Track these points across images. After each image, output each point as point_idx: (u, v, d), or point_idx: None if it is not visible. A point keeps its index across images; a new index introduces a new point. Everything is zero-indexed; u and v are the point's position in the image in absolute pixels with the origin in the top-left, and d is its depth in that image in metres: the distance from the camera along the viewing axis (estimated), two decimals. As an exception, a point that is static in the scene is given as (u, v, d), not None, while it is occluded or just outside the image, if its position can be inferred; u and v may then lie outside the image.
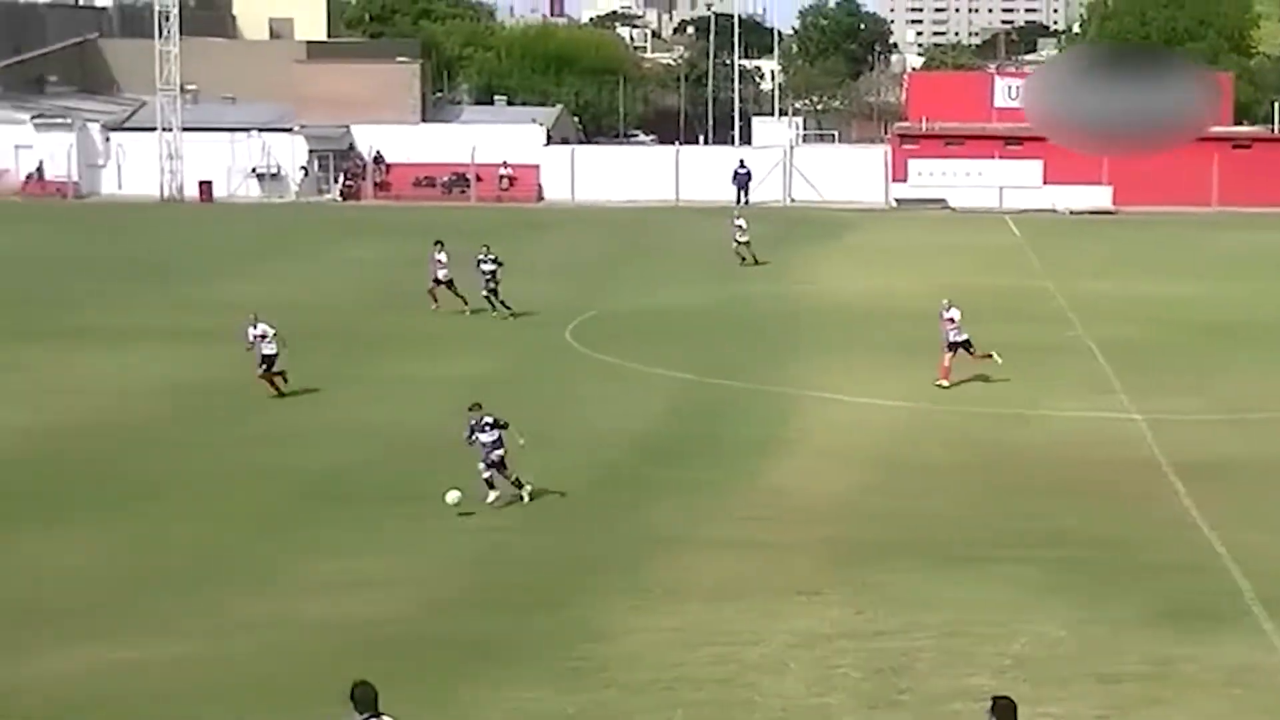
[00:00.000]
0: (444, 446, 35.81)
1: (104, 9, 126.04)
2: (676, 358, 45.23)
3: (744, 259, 63.66)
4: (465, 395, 40.57)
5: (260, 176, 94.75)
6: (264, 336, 40.27)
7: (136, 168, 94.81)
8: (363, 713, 15.56)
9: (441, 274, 52.12)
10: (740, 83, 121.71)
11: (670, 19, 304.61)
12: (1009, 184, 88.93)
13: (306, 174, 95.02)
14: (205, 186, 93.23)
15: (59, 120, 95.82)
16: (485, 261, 51.80)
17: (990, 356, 41.45)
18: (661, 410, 40.02)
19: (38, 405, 39.50)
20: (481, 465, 30.94)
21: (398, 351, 47.00)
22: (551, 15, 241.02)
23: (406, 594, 25.90)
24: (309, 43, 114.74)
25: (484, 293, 51.82)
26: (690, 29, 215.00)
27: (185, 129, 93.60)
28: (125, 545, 28.74)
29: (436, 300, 52.26)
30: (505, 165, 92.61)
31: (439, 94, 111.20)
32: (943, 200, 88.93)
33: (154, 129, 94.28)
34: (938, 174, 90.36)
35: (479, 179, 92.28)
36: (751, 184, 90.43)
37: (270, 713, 20.52)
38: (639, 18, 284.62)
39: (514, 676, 21.90)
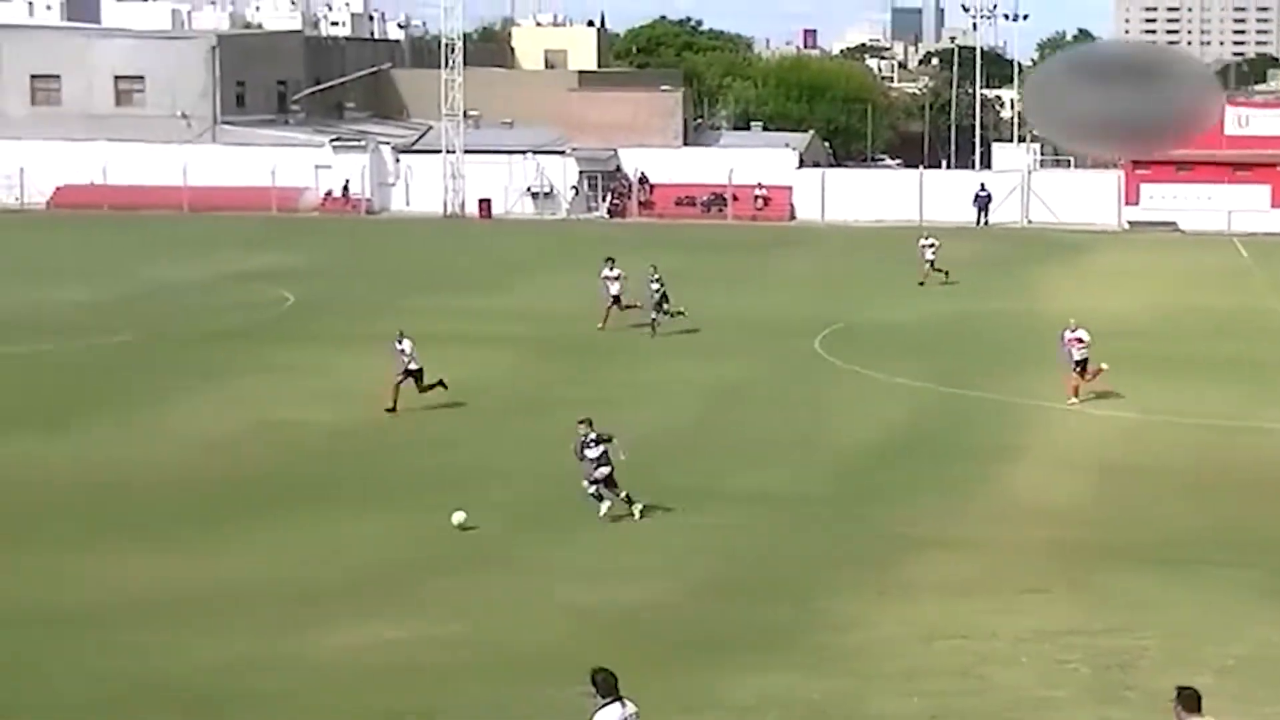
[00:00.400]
0: (692, 447, 36.03)
1: (396, 42, 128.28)
2: (917, 368, 44.91)
3: (923, 282, 62.26)
4: (717, 400, 40.88)
5: (534, 195, 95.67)
6: (404, 353, 39.38)
7: (423, 186, 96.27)
8: (605, 696, 15.64)
9: (615, 289, 51.09)
10: (981, 110, 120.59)
11: (916, 51, 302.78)
12: (1238, 208, 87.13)
13: (577, 193, 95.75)
14: (485, 204, 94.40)
15: (355, 143, 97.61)
16: (653, 281, 50.63)
17: (1101, 370, 40.76)
18: (902, 417, 39.76)
19: (338, 405, 40.22)
20: (585, 482, 29.57)
21: (653, 357, 47.20)
22: (805, 47, 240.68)
23: (658, 584, 25.95)
24: (581, 72, 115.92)
25: (652, 312, 50.34)
26: (935, 60, 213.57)
27: (467, 151, 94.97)
28: (403, 532, 29.16)
29: (606, 322, 50.86)
30: (760, 186, 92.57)
31: (699, 120, 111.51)
32: (1173, 223, 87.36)
33: (439, 151, 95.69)
34: (1169, 198, 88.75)
35: (735, 198, 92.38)
36: (991, 206, 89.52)
37: (529, 691, 20.69)
38: (887, 49, 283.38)
39: (761, 663, 21.88)
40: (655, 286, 50.18)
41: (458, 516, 28.86)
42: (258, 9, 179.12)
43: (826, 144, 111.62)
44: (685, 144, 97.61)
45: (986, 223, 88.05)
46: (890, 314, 55.73)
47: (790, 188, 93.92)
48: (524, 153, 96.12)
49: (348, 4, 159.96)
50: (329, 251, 75.31)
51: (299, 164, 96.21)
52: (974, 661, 21.85)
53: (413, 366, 39.47)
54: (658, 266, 50.99)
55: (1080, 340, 40.58)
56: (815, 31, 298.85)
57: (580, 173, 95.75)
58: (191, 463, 34.30)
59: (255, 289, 60.41)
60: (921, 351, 48.06)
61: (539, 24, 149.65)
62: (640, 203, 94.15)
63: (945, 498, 31.83)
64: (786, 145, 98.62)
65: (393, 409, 38.63)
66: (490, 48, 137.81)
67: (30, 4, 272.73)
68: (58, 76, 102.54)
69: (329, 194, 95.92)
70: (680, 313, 50.35)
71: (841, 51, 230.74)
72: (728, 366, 45.67)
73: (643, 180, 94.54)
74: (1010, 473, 34.14)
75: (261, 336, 50.04)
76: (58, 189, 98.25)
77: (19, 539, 28.53)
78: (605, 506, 29.44)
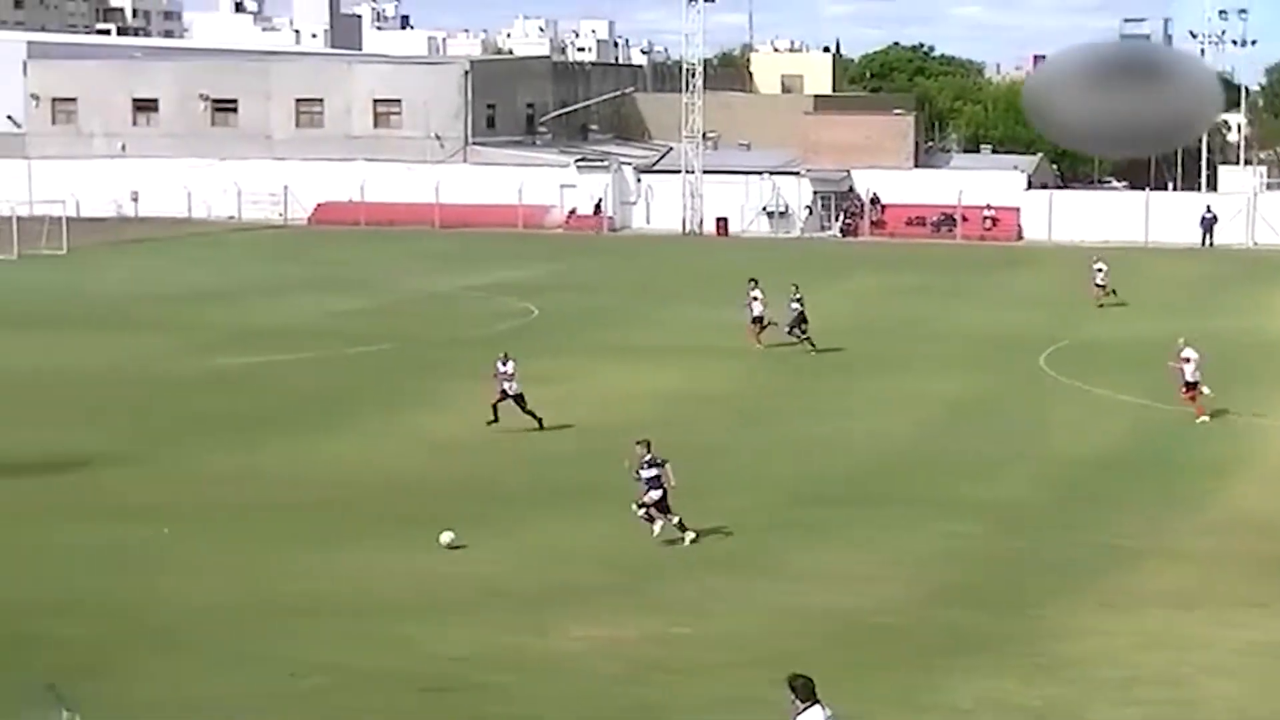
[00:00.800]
0: (922, 457, 35.84)
1: (639, 67, 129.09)
2: (1139, 384, 44.18)
3: (1101, 304, 61.03)
4: (946, 412, 40.62)
5: (770, 214, 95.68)
6: (510, 375, 38.31)
7: (663, 205, 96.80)
8: (804, 701, 15.60)
9: (758, 310, 50.44)
10: (1208, 134, 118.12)
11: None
12: None
13: (811, 212, 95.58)
14: (722, 223, 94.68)
15: (599, 163, 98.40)
16: (794, 301, 49.94)
17: (1203, 391, 39.96)
18: (1124, 431, 39.20)
19: (578, 413, 40.60)
20: (635, 505, 28.60)
21: (882, 371, 47.05)
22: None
23: (886, 589, 25.91)
24: (816, 96, 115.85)
25: (787, 329, 49.66)
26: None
27: (706, 171, 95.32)
28: (641, 534, 29.35)
29: (759, 340, 50.19)
30: (989, 207, 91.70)
31: (930, 142, 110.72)
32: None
33: (679, 171, 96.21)
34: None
35: (964, 219, 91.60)
36: (1216, 228, 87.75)
37: (760, 690, 20.72)
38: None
39: (983, 667, 21.78)
40: (795, 306, 49.69)
41: (445, 537, 28.03)
42: (508, 36, 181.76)
43: (1054, 166, 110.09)
44: (916, 166, 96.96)
45: (1211, 244, 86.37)
46: (1114, 331, 54.90)
47: (1018, 209, 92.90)
48: (760, 173, 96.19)
49: (594, 31, 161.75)
50: (572, 266, 76.05)
51: (545, 183, 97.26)
52: (1191, 673, 21.55)
53: (513, 390, 38.26)
54: (799, 286, 50.60)
55: (1188, 360, 39.90)
56: (1044, 56, 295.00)
57: (814, 193, 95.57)
58: (443, 465, 34.92)
59: (502, 302, 61.24)
60: (1144, 368, 47.20)
61: (776, 50, 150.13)
62: (872, 222, 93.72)
63: (1165, 510, 31.36)
64: (1015, 167, 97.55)
65: (494, 420, 38.11)
66: (729, 72, 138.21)
67: (297, 32, 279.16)
68: (320, 100, 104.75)
69: (573, 211, 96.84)
70: (808, 341, 49.56)
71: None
72: (955, 380, 45.43)
73: (874, 200, 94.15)
74: (1229, 487, 33.54)
75: (507, 347, 50.62)
76: (318, 206, 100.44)
77: (290, 535, 29.25)
78: (657, 528, 28.50)
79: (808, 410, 41.32)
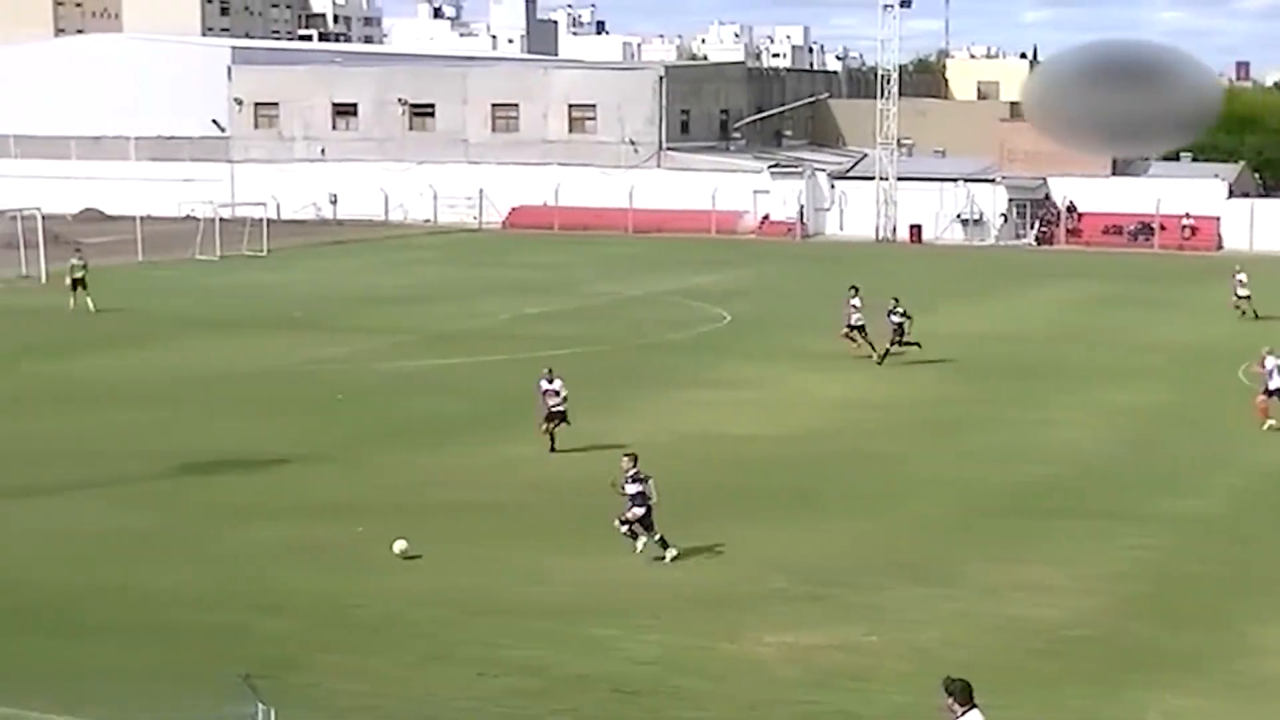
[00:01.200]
0: (1117, 469, 35.37)
1: (834, 73, 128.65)
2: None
3: (1244, 313, 59.51)
4: (1137, 424, 40.04)
5: (964, 222, 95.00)
6: (556, 393, 36.68)
7: (856, 212, 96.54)
8: (962, 705, 15.45)
9: (855, 319, 49.39)
10: None
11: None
12: None
13: (1005, 220, 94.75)
14: (915, 230, 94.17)
15: (792, 169, 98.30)
16: (894, 314, 48.61)
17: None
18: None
19: (771, 418, 40.61)
20: (617, 521, 27.88)
21: (1075, 380, 46.51)
22: (1237, 80, 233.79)
23: (1084, 601, 25.59)
24: (1012, 103, 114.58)
25: (889, 344, 48.31)
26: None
27: (900, 178, 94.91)
28: (835, 542, 29.26)
29: (857, 342, 49.21)
30: (1187, 216, 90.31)
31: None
32: None
33: (872, 178, 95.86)
34: None
35: (1162, 228, 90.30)
36: None
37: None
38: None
39: (1173, 683, 21.47)
40: (895, 319, 48.41)
41: (399, 545, 27.75)
42: (703, 41, 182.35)
43: (1257, 175, 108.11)
44: (1114, 174, 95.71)
45: None
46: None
47: (1218, 218, 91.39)
48: (955, 180, 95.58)
49: (788, 37, 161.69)
50: (765, 272, 76.03)
51: (738, 189, 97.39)
52: (1396, 693, 21.03)
53: (559, 408, 36.65)
54: (900, 300, 49.33)
55: (1266, 367, 39.12)
56: (1248, 64, 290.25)
57: (1009, 200, 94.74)
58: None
59: (695, 307, 61.41)
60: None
61: (972, 56, 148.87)
62: (1068, 230, 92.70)
63: (1369, 529, 30.61)
64: (1215, 176, 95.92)
65: (553, 449, 36.23)
66: (925, 79, 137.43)
67: (494, 38, 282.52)
68: (516, 105, 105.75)
69: (766, 217, 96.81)
70: (884, 354, 48.31)
71: (1275, 84, 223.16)
72: (1150, 392, 44.80)
73: (1070, 209, 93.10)
74: None
75: (700, 351, 50.82)
76: (512, 210, 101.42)
77: (481, 536, 29.56)
78: (640, 544, 27.80)
79: (998, 419, 40.94)
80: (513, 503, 32.06)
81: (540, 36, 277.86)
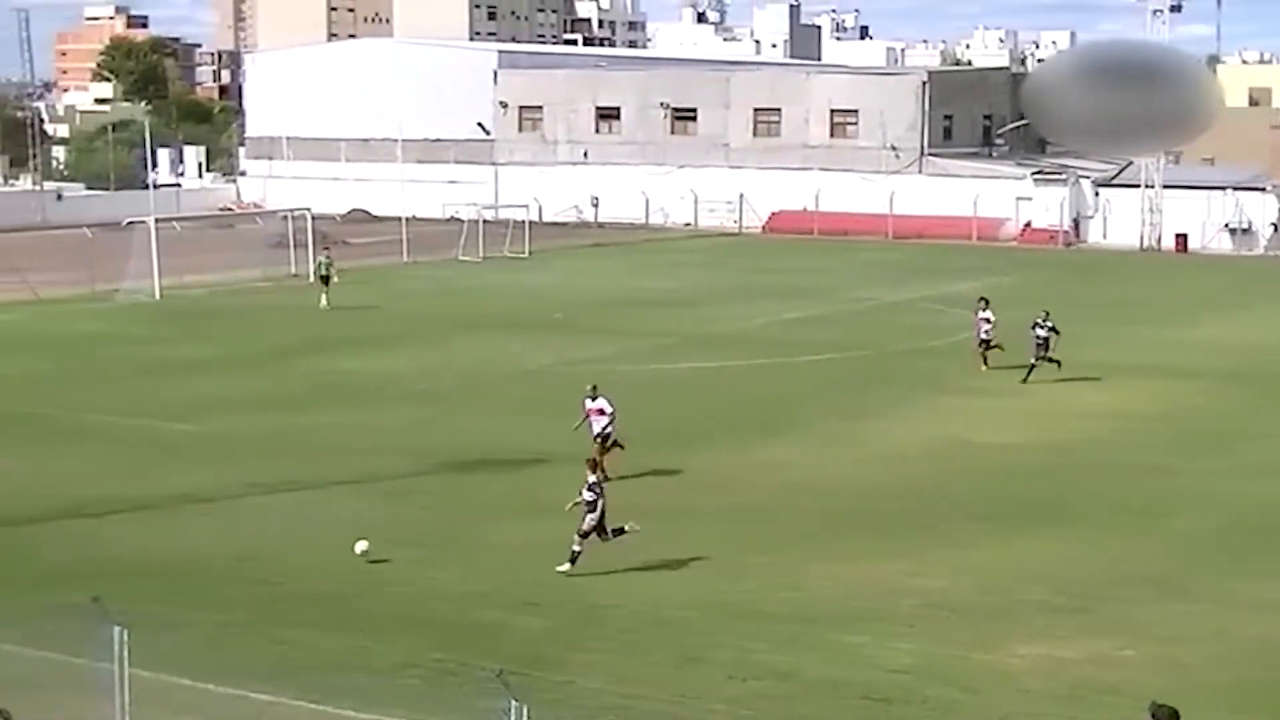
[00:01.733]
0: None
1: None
2: None
3: None
4: None
5: (1232, 231, 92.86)
6: (601, 411, 34.46)
7: (1120, 220, 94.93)
8: None
9: (985, 331, 47.67)
10: None
11: None
12: None
13: (1276, 229, 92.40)
14: (1181, 239, 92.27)
15: (1056, 176, 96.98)
16: (1040, 327, 46.14)
17: None
18: None
19: (1029, 428, 40.11)
20: (576, 535, 27.01)
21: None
22: None
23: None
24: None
25: (1033, 358, 45.81)
26: None
27: (1166, 186, 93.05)
28: (1087, 554, 28.80)
29: (986, 362, 47.44)
30: None
31: None
32: None
33: (1138, 185, 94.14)
34: None
35: None
36: None
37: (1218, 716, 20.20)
38: None
39: None
40: (1041, 333, 45.96)
41: (360, 546, 27.68)
42: (967, 47, 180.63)
43: None
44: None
45: None
46: None
47: None
48: (1223, 189, 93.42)
49: (1054, 42, 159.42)
50: (1026, 280, 75.04)
51: (1000, 195, 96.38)
52: None
53: (609, 429, 34.32)
54: (1050, 313, 47.15)
55: None
56: None
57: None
58: (889, 476, 34.88)
59: (955, 313, 60.83)
60: None
61: (1244, 61, 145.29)
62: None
63: None
64: None
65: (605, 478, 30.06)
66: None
67: (757, 42, 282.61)
68: (778, 110, 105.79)
69: (1028, 225, 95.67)
70: (1055, 362, 45.85)
71: None
72: None
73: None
74: None
75: (958, 358, 50.29)
76: (772, 214, 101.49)
77: (736, 539, 29.67)
78: (566, 567, 26.85)
79: (1265, 434, 39.91)
80: (769, 506, 32.10)
81: (803, 41, 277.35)
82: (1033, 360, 45.81)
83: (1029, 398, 44.16)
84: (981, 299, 49.02)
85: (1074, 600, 25.93)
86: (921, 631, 24.20)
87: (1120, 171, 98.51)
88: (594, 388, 35.06)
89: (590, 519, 27.14)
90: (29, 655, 21.85)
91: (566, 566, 26.89)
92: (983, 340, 47.85)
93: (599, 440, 34.09)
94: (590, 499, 27.19)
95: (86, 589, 22.23)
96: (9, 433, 39.27)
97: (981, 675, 22.36)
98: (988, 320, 47.81)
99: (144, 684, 18.94)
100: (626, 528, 27.55)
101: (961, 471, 35.34)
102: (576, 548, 27.01)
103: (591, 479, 27.35)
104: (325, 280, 62.92)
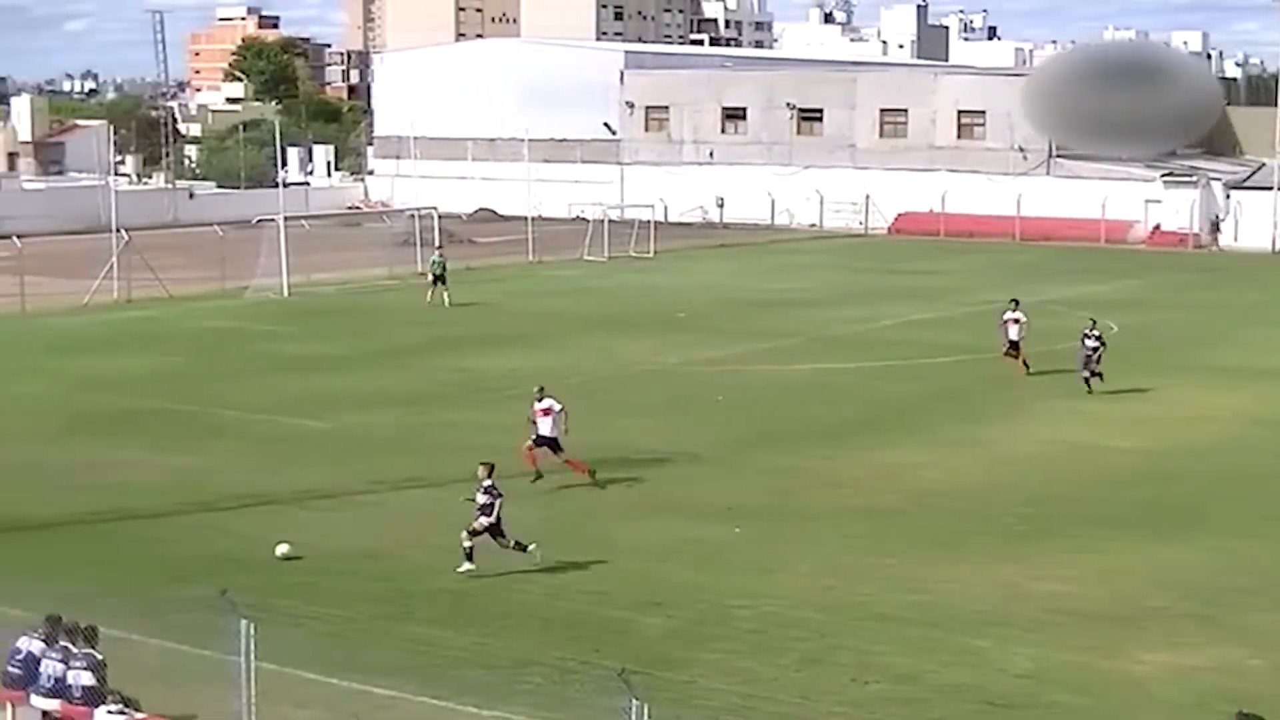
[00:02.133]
0: None
1: (1233, 79, 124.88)
2: None
3: None
4: None
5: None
6: (548, 412, 33.34)
7: (1252, 223, 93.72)
8: None
9: (1014, 333, 46.76)
10: None
11: None
12: None
13: None
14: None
15: (1186, 178, 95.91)
16: (1089, 338, 44.79)
17: None
18: None
19: (1156, 432, 39.72)
20: (465, 532, 26.79)
21: None
22: None
23: None
24: None
25: (1082, 371, 44.39)
26: None
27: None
28: (1218, 560, 28.48)
29: (1026, 365, 46.55)
30: None
31: None
32: None
33: (1270, 188, 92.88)
34: None
35: None
36: None
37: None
38: None
39: None
40: (1090, 344, 44.58)
41: (281, 549, 27.67)
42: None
43: None
44: None
45: None
46: None
47: None
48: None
49: (1185, 42, 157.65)
50: (1156, 283, 74.35)
51: (1128, 198, 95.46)
52: None
53: (554, 433, 33.32)
54: (1096, 322, 46.23)
55: None
56: None
57: None
58: (1014, 479, 34.66)
59: (1082, 316, 60.27)
60: None
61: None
62: None
63: None
64: None
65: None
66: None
67: (884, 43, 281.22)
68: (905, 110, 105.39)
69: (1157, 227, 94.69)
70: (1098, 375, 44.34)
71: None
72: None
73: None
74: None
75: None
76: (898, 215, 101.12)
77: (860, 540, 29.63)
78: (466, 566, 26.59)
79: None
80: (893, 509, 32.00)
81: (931, 42, 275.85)
82: (1084, 373, 44.35)
83: (1158, 402, 43.74)
84: (1012, 300, 48.19)
85: (1201, 606, 25.67)
86: (1045, 636, 24.04)
87: (1252, 174, 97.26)
88: (541, 389, 34.07)
89: (483, 520, 26.83)
90: (159, 646, 22.24)
91: (466, 566, 26.66)
92: (1012, 341, 46.95)
93: (535, 440, 33.41)
94: (485, 501, 26.91)
95: (216, 582, 22.59)
96: (144, 427, 39.89)
97: (1105, 681, 22.18)
98: (1017, 321, 46.99)
99: (269, 677, 19.19)
100: (529, 548, 27.12)
101: (1088, 475, 35.05)
102: (467, 544, 26.74)
103: (487, 481, 26.99)
104: (439, 280, 63.33)
